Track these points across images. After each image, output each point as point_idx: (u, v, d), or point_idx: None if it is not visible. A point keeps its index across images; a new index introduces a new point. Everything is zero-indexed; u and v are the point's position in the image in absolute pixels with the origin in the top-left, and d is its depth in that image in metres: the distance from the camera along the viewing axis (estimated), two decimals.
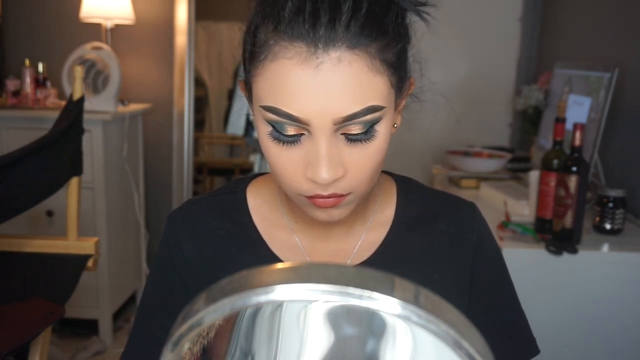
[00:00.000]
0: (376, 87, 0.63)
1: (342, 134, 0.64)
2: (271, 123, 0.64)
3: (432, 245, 0.79)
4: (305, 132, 0.64)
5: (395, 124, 0.73)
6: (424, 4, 0.70)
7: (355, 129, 0.63)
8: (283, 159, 0.66)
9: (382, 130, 0.65)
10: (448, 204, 0.83)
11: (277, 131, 0.64)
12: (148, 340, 0.78)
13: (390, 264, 0.77)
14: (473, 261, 0.79)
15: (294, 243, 0.79)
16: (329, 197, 0.66)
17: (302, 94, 0.61)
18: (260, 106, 0.65)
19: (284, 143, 0.65)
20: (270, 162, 0.67)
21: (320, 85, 0.61)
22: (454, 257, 0.79)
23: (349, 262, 0.77)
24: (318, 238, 0.79)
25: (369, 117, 0.63)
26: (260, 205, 0.81)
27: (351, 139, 0.64)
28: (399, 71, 0.67)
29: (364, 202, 0.78)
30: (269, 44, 0.63)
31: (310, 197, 0.66)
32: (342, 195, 0.66)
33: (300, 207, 0.70)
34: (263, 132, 0.66)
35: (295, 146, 0.65)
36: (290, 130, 0.64)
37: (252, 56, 0.66)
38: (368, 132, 0.64)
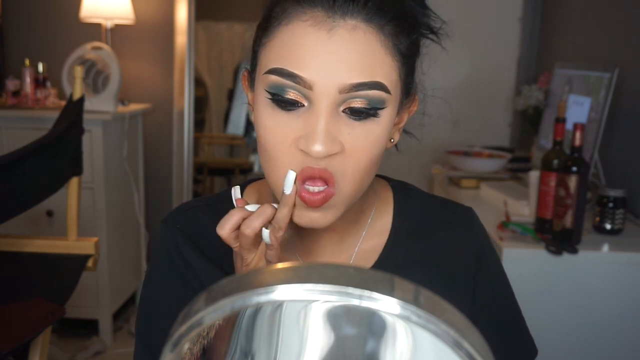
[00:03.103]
0: (386, 67, 0.63)
1: (343, 111, 0.62)
2: (272, 90, 0.62)
3: (432, 254, 0.78)
4: (306, 103, 0.62)
5: (392, 138, 0.72)
6: (437, 32, 0.70)
7: (359, 102, 0.62)
8: (277, 130, 0.63)
9: (385, 120, 0.64)
10: (446, 210, 0.81)
11: (277, 95, 0.62)
12: (154, 353, 0.76)
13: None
14: (476, 270, 0.78)
15: (289, 252, 0.77)
16: (319, 174, 0.62)
17: (311, 56, 0.61)
18: (265, 72, 0.63)
19: (281, 107, 0.62)
20: (262, 137, 0.65)
21: (332, 49, 0.60)
22: (455, 265, 0.78)
23: None
24: (312, 246, 0.77)
25: (375, 92, 0.62)
26: None
27: (354, 114, 0.62)
28: (407, 66, 0.67)
29: (359, 208, 0.76)
30: (286, 12, 0.63)
31: (300, 181, 0.63)
32: (330, 186, 0.63)
33: None
34: (261, 104, 0.64)
35: (292, 116, 0.62)
36: (291, 94, 0.62)
37: (267, 24, 0.66)
38: (371, 112, 0.62)
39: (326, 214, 0.65)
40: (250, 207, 0.65)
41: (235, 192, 0.69)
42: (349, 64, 0.60)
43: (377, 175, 0.82)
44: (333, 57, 0.60)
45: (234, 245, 0.65)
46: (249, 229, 0.63)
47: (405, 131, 0.77)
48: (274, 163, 0.65)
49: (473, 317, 0.77)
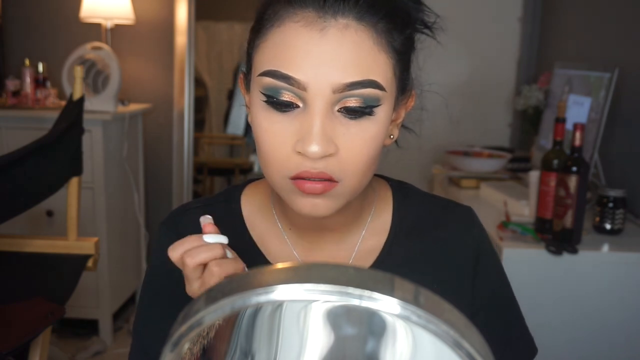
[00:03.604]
0: (380, 65, 0.62)
1: (339, 110, 0.62)
2: (266, 92, 0.63)
3: (431, 253, 0.78)
4: (301, 104, 0.62)
5: (391, 135, 0.72)
6: (431, 27, 0.71)
7: (354, 101, 0.62)
8: (273, 132, 0.63)
9: (381, 118, 0.64)
10: (446, 209, 0.81)
11: (272, 97, 0.62)
12: (151, 353, 0.76)
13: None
14: (474, 270, 0.78)
15: (288, 251, 0.77)
16: (317, 176, 0.63)
17: (304, 57, 0.61)
18: (259, 75, 0.63)
19: (276, 109, 0.63)
20: (259, 139, 0.65)
21: (324, 49, 0.60)
22: (454, 265, 0.78)
23: None
24: (312, 245, 0.77)
25: (369, 90, 0.61)
26: (254, 213, 0.79)
27: (349, 113, 0.62)
28: (402, 62, 0.67)
29: (359, 207, 0.76)
30: (278, 14, 0.63)
31: (297, 179, 0.63)
32: (331, 181, 0.63)
33: (286, 199, 0.67)
34: (257, 106, 0.64)
35: (287, 117, 0.63)
36: (286, 96, 0.62)
37: (259, 27, 0.66)
38: (367, 110, 0.62)
39: (328, 202, 0.65)
40: (208, 238, 0.63)
41: (205, 218, 0.67)
42: (342, 64, 0.60)
43: (376, 175, 0.82)
44: (325, 57, 0.60)
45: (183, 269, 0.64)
46: (192, 259, 0.62)
47: (404, 127, 0.77)
48: (271, 164, 0.65)
49: (473, 316, 0.77)
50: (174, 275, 0.77)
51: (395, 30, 0.64)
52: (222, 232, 0.77)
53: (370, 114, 0.63)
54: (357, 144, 0.63)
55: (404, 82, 0.69)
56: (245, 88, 0.71)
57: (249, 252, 0.77)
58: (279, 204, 0.77)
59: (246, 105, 0.71)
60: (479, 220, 0.82)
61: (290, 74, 0.61)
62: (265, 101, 0.63)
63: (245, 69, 0.71)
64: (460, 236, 0.79)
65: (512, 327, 0.82)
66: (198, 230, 0.77)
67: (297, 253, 0.77)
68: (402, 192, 0.81)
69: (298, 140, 0.62)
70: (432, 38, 0.71)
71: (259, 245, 0.77)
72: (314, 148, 0.61)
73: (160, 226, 0.79)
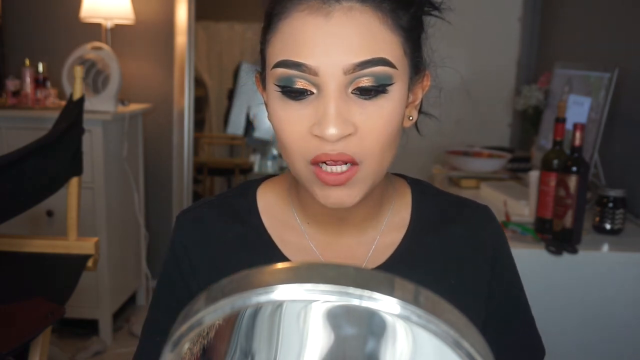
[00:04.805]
0: (388, 43, 0.63)
1: (353, 92, 0.63)
2: (280, 83, 0.64)
3: (448, 250, 0.78)
4: (315, 91, 0.63)
5: (410, 116, 0.73)
6: (438, 8, 0.71)
7: (367, 81, 0.62)
8: (290, 120, 0.64)
9: (395, 96, 0.64)
10: (463, 207, 0.82)
11: (286, 87, 0.64)
12: (155, 344, 0.76)
13: (406, 269, 0.75)
14: (491, 268, 0.78)
15: (306, 245, 0.77)
16: (337, 158, 0.63)
17: (312, 43, 0.62)
18: (272, 68, 0.65)
19: (291, 97, 0.64)
20: (277, 128, 0.66)
21: (331, 32, 0.61)
22: (471, 262, 0.78)
23: (363, 265, 0.75)
24: (331, 240, 0.77)
25: (380, 68, 0.62)
26: (271, 206, 0.79)
27: (363, 94, 0.63)
28: (412, 40, 0.67)
29: (378, 202, 0.76)
30: (284, 7, 0.65)
31: (318, 167, 0.64)
32: (352, 164, 0.64)
33: (310, 191, 0.67)
34: (273, 98, 0.65)
35: (303, 104, 0.64)
36: (299, 83, 0.63)
37: (269, 22, 0.67)
38: (380, 88, 0.63)
39: (353, 191, 0.65)
40: None
41: None
42: (350, 45, 0.61)
43: (394, 173, 0.82)
44: (333, 40, 0.61)
45: None
46: None
47: (424, 112, 0.78)
48: (292, 153, 0.66)
49: (489, 315, 0.78)
50: (185, 270, 0.77)
51: (400, 9, 0.65)
52: (236, 224, 0.78)
53: (384, 91, 0.63)
54: (374, 123, 0.63)
55: (416, 62, 0.69)
56: (262, 86, 0.72)
57: (262, 245, 0.77)
58: (297, 198, 0.77)
59: (265, 104, 0.72)
60: (497, 219, 0.83)
61: (300, 60, 0.62)
62: (280, 91, 0.64)
63: (260, 67, 0.72)
64: (477, 234, 0.80)
65: (524, 327, 0.83)
66: (213, 224, 0.78)
67: (315, 247, 0.77)
68: (420, 189, 0.82)
69: (315, 124, 0.63)
70: (441, 18, 0.72)
71: (274, 239, 0.77)
72: (332, 130, 0.61)
73: (176, 220, 0.80)
